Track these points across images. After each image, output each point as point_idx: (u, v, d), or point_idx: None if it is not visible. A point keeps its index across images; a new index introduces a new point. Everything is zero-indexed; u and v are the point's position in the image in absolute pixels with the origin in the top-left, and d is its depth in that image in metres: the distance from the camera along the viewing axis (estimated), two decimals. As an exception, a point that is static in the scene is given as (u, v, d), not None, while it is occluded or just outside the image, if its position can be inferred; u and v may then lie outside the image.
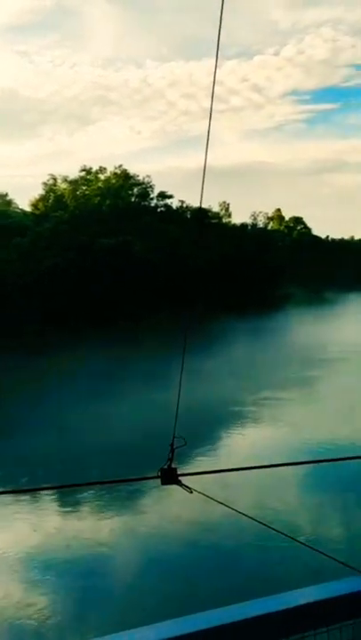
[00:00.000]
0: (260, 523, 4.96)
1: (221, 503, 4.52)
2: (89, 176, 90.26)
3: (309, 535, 14.10)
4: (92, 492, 17.52)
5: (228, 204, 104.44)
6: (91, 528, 16.06)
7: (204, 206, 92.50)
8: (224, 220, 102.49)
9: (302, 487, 17.01)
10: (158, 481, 3.00)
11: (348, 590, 1.61)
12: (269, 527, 5.65)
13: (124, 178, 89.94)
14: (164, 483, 3.10)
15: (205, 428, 23.76)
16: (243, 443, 22.24)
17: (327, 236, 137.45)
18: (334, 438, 21.10)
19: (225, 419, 25.96)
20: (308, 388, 33.00)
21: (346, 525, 14.89)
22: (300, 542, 10.01)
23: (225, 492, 14.09)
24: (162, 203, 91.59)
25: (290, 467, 15.30)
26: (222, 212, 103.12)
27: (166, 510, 16.31)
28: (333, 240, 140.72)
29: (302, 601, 1.61)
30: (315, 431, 22.34)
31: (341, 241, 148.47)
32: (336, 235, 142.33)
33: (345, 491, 16.54)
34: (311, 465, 16.63)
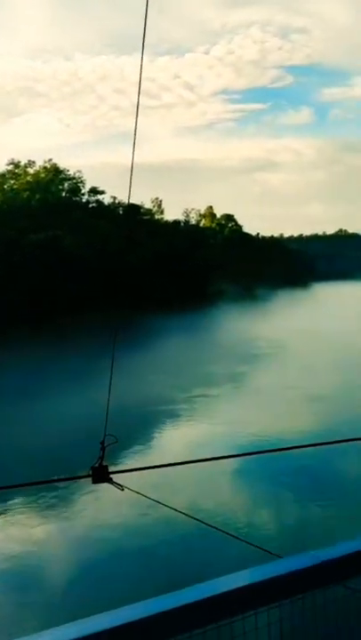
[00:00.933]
0: (194, 518, 5.00)
1: (155, 500, 4.52)
2: (17, 170, 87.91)
3: (243, 526, 14.35)
4: (20, 497, 16.93)
5: (161, 201, 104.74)
6: (11, 537, 15.26)
7: (136, 202, 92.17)
8: (156, 217, 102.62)
9: (237, 481, 17.27)
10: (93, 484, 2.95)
11: (271, 574, 1.66)
12: (203, 522, 5.71)
13: (54, 172, 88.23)
14: (95, 481, 3.06)
15: (137, 427, 23.63)
16: (175, 441, 22.34)
17: (258, 234, 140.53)
18: (265, 433, 21.56)
19: (156, 417, 25.92)
20: (238, 384, 33.56)
21: (278, 516, 15.24)
22: (230, 534, 10.15)
23: (161, 492, 14.13)
24: (93, 198, 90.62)
25: (224, 462, 15.52)
26: (155, 209, 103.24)
27: (99, 513, 16.10)
28: (264, 237, 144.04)
29: (228, 587, 1.63)
30: (246, 427, 22.73)
31: (271, 238, 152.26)
32: (266, 232, 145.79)
33: (278, 484, 16.93)
34: (245, 459, 16.88)
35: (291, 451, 17.05)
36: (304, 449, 16.50)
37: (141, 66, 3.79)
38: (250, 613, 1.66)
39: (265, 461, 17.36)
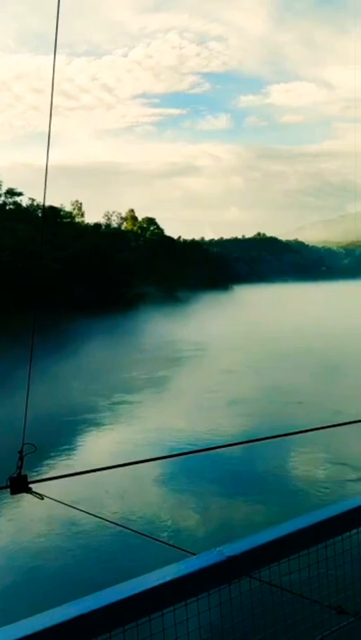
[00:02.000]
0: (118, 525, 5.04)
1: (75, 508, 4.52)
2: None
3: (169, 528, 14.44)
4: None
5: (81, 204, 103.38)
6: None
7: (55, 205, 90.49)
8: (77, 220, 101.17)
9: (162, 486, 17.31)
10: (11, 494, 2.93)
11: (185, 571, 1.75)
12: (126, 528, 5.75)
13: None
14: (14, 492, 3.04)
15: (58, 435, 23.18)
16: (97, 449, 22.04)
17: (179, 237, 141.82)
18: (188, 439, 21.64)
19: (78, 425, 25.47)
20: (160, 389, 33.65)
21: (205, 517, 15.40)
22: (146, 536, 10.19)
23: (84, 500, 13.97)
24: (10, 200, 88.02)
25: (148, 468, 15.56)
26: (75, 211, 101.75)
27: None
28: (185, 241, 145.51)
29: (146, 586, 1.71)
30: (169, 433, 22.79)
31: (193, 242, 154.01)
32: (187, 235, 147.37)
33: (203, 486, 17.14)
34: (169, 464, 17.00)
35: (215, 454, 17.42)
36: (229, 451, 16.95)
37: (54, 65, 3.79)
38: (169, 609, 1.75)
39: (190, 465, 17.59)
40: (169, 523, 14.72)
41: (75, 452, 21.96)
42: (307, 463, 18.21)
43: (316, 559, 2.11)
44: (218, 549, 1.82)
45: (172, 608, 1.74)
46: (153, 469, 17.31)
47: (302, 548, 2.02)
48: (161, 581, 1.71)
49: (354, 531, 2.24)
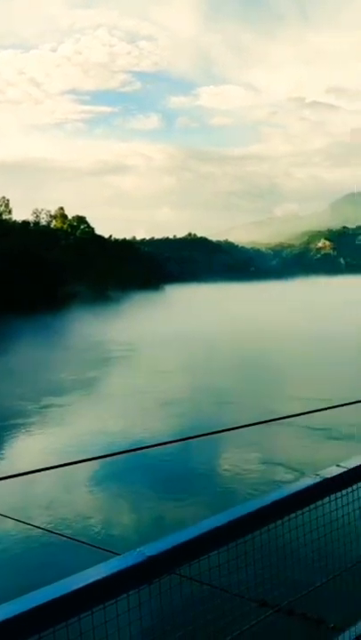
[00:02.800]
0: (42, 529, 4.97)
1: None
2: None
3: (98, 529, 14.33)
4: None
5: (8, 200, 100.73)
6: None
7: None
8: (4, 217, 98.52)
9: (93, 490, 17.12)
10: None
11: (109, 572, 1.78)
12: (51, 532, 5.67)
13: None
14: None
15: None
16: (27, 457, 21.36)
17: (110, 236, 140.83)
18: (120, 441, 21.34)
19: (4, 431, 24.61)
20: (90, 391, 33.23)
21: (136, 516, 15.39)
22: (70, 538, 10.11)
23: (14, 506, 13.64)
24: None
25: (79, 471, 15.38)
26: (1, 208, 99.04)
27: None
28: (116, 240, 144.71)
29: (72, 587, 1.72)
30: (100, 436, 22.47)
31: (124, 241, 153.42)
32: (119, 235, 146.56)
33: (134, 486, 17.10)
34: (100, 466, 16.84)
35: (148, 457, 17.42)
36: (163, 454, 17.01)
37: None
38: (98, 608, 1.77)
39: (122, 468, 17.50)
40: (98, 528, 14.63)
41: (1, 461, 21.23)
42: (241, 463, 18.47)
43: (236, 554, 2.18)
44: (139, 549, 1.86)
45: (89, 612, 1.76)
46: (84, 473, 17.09)
47: (221, 545, 2.09)
48: (77, 586, 1.72)
49: (272, 525, 2.32)
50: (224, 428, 3.27)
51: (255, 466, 18.30)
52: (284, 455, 18.72)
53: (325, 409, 3.46)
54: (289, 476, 17.52)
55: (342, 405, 4.07)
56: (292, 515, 2.38)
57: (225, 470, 18.20)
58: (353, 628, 2.65)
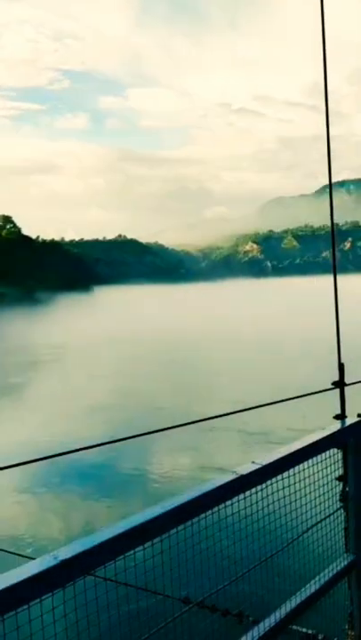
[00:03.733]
0: None
1: None
2: None
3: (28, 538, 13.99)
4: None
5: None
6: None
7: None
8: None
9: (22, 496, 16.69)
10: None
11: (22, 577, 1.77)
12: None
13: None
14: None
15: None
16: None
17: (38, 237, 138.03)
18: (50, 450, 20.84)
19: None
20: (16, 397, 32.21)
21: (66, 521, 15.13)
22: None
23: None
24: None
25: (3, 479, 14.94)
26: None
27: None
28: (44, 240, 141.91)
29: None
30: (29, 445, 21.73)
31: (52, 242, 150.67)
32: (47, 235, 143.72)
33: (63, 491, 16.81)
34: (26, 472, 16.44)
35: (77, 462, 17.16)
36: (92, 459, 16.79)
37: None
38: (10, 615, 1.75)
39: (51, 474, 17.18)
40: (27, 536, 14.31)
41: None
42: (174, 468, 18.43)
43: (152, 553, 2.21)
44: (52, 553, 1.85)
45: (0, 619, 1.75)
46: (9, 481, 16.63)
47: (137, 545, 2.11)
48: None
49: (188, 523, 2.37)
50: (156, 429, 3.29)
51: (187, 472, 18.29)
52: (218, 458, 18.87)
53: (249, 409, 3.55)
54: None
55: (265, 405, 4.18)
56: (209, 512, 2.43)
57: (159, 475, 18.18)
58: (267, 620, 2.74)
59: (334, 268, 3.61)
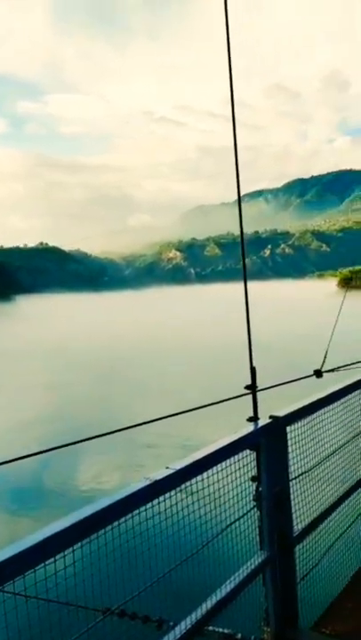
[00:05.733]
0: None
1: None
2: None
3: None
4: None
5: None
6: None
7: None
8: None
9: None
10: None
11: None
12: None
13: None
14: None
15: None
16: None
17: None
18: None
19: None
20: None
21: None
22: None
23: None
24: None
25: None
26: None
27: None
28: None
29: None
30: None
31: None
32: None
33: None
34: None
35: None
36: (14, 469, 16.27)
37: None
38: None
39: None
40: None
41: None
42: (100, 477, 18.17)
43: (64, 564, 2.19)
44: None
45: None
46: None
47: (49, 557, 2.09)
48: None
49: (101, 531, 2.36)
50: (86, 438, 3.26)
51: (116, 482, 18.11)
52: (150, 469, 18.69)
53: (159, 418, 3.59)
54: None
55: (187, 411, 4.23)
56: (122, 519, 2.44)
57: (87, 489, 17.89)
58: (182, 623, 2.78)
59: (245, 276, 3.72)
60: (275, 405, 3.86)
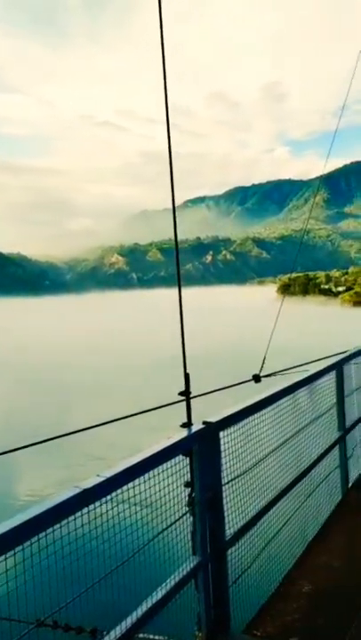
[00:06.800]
0: None
1: None
2: None
3: None
4: None
5: None
6: None
7: None
8: None
9: None
10: None
11: None
12: None
13: None
14: None
15: None
16: None
17: None
18: None
19: None
20: None
21: None
22: None
23: None
24: None
25: None
26: None
27: None
28: None
29: None
30: None
31: None
32: None
33: None
34: None
35: None
36: None
37: None
38: None
39: None
40: None
41: None
42: (37, 488, 17.70)
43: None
44: None
45: None
46: None
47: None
48: None
49: (27, 543, 2.32)
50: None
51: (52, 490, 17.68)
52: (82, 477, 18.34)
53: (97, 425, 3.56)
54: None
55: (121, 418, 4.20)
56: (50, 529, 2.40)
57: (24, 497, 17.39)
58: (112, 632, 2.77)
59: (179, 284, 3.75)
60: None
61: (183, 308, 3.71)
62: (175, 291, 3.69)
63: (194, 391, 3.68)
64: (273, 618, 3.76)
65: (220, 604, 3.52)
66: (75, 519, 2.54)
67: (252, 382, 4.51)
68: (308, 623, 3.69)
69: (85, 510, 2.60)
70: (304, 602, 3.93)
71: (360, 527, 4.99)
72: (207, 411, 3.71)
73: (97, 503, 2.67)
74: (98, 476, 2.72)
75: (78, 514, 2.56)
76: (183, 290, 3.73)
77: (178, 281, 3.74)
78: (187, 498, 3.43)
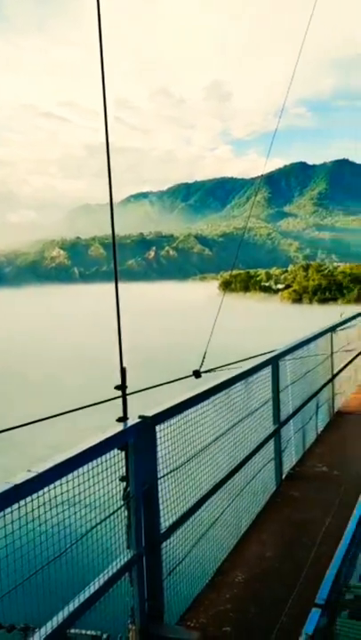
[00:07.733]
0: None
1: None
2: None
3: None
4: None
5: None
6: None
7: None
8: None
9: None
10: None
11: None
12: None
13: None
14: None
15: None
16: None
17: None
18: None
19: None
20: None
21: None
22: None
23: None
24: None
25: None
26: None
27: None
28: None
29: None
30: None
31: None
32: None
33: None
34: None
35: None
36: None
37: None
38: None
39: None
40: None
41: None
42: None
43: None
44: None
45: None
46: None
47: None
48: None
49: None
50: None
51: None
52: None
53: (35, 421, 3.49)
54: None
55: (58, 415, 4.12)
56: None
57: None
58: (43, 629, 2.73)
59: (116, 277, 3.73)
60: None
61: (124, 305, 3.70)
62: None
63: (132, 389, 3.67)
64: (206, 608, 3.82)
65: (154, 597, 3.53)
66: (4, 515, 2.49)
67: (193, 378, 4.53)
68: (240, 613, 3.76)
69: (16, 506, 2.55)
70: (237, 592, 4.00)
71: (293, 517, 5.12)
72: (148, 408, 3.71)
73: (29, 498, 2.62)
74: (29, 471, 2.67)
75: (8, 510, 2.51)
76: (126, 285, 3.73)
77: (115, 274, 3.72)
78: (122, 492, 3.43)
